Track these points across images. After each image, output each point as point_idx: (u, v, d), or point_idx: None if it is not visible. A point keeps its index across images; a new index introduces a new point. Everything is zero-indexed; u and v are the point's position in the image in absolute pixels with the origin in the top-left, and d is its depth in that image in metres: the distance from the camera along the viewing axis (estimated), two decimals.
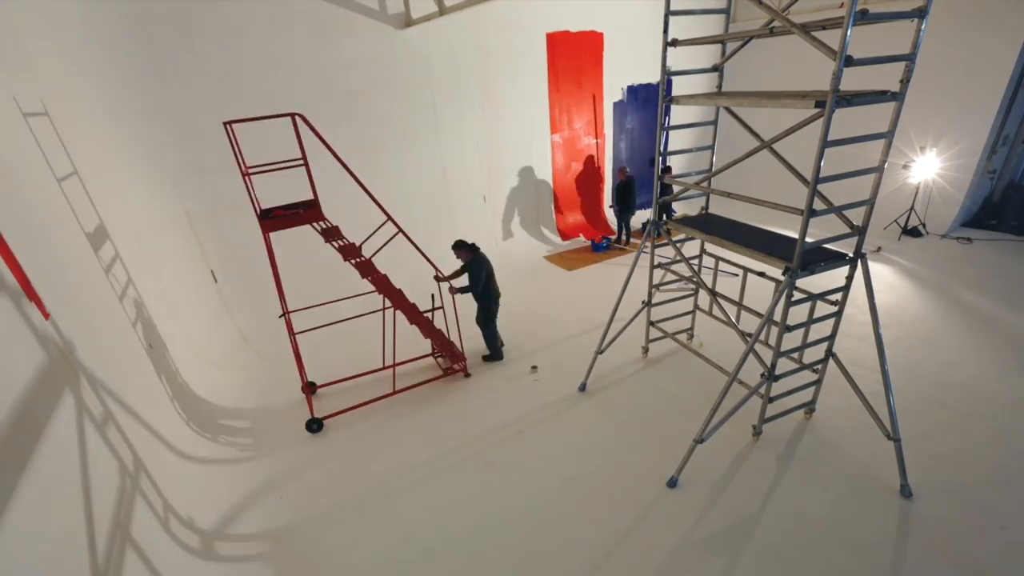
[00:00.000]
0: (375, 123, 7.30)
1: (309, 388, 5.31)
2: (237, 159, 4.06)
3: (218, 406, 5.19)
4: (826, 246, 3.63)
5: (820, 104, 2.99)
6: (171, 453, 4.05)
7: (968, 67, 7.77)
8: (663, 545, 3.46)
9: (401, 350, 5.62)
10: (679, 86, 10.18)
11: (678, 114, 9.70)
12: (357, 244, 4.55)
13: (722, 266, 4.95)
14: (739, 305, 4.76)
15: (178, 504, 3.64)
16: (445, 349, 5.42)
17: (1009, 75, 7.49)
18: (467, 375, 5.59)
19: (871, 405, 3.94)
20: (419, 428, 4.85)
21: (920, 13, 2.89)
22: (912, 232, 8.58)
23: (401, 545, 3.63)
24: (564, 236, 9.69)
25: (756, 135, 3.95)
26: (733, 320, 4.46)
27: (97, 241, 4.21)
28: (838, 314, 3.92)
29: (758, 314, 4.30)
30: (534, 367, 5.64)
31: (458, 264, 5.55)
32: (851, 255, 3.60)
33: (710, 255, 5.14)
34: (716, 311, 5.01)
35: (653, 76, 10.16)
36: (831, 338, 4.07)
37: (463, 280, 5.50)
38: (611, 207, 9.38)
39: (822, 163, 3.07)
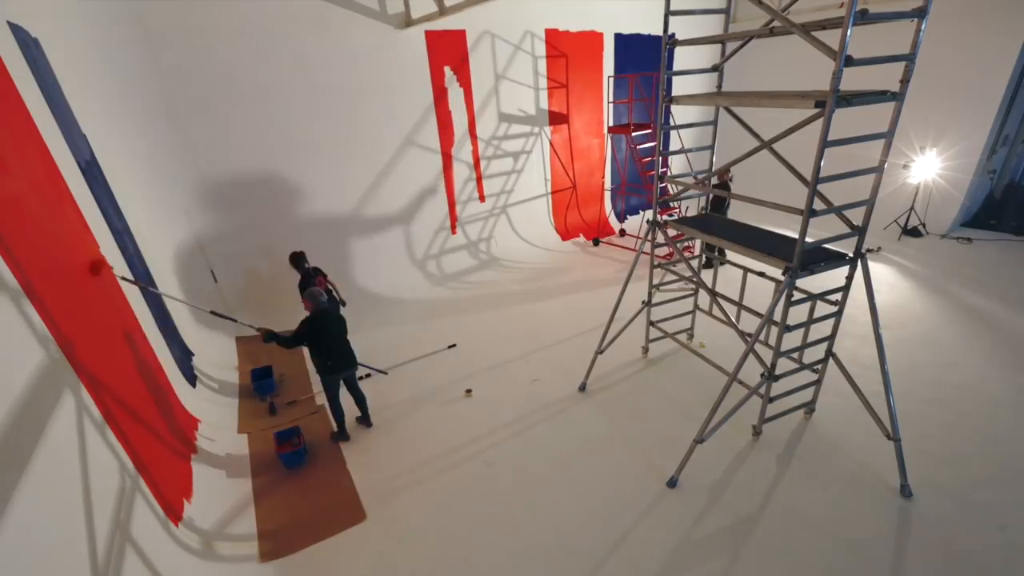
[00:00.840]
0: (375, 123, 7.31)
1: None
2: None
3: (218, 406, 5.18)
4: (826, 246, 3.63)
5: (820, 104, 2.99)
6: (171, 453, 4.04)
7: (968, 67, 7.77)
8: (663, 545, 3.46)
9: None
10: (679, 86, 10.19)
11: (678, 114, 9.71)
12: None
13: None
14: (739, 305, 4.76)
15: (178, 504, 3.64)
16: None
17: (1009, 75, 7.50)
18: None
19: (871, 405, 3.94)
20: (419, 428, 4.84)
21: (920, 13, 2.89)
22: (912, 232, 8.59)
23: (400, 546, 3.63)
24: (563, 236, 9.70)
25: (756, 135, 3.95)
26: (733, 320, 4.46)
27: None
28: (838, 314, 3.92)
29: (758, 314, 4.30)
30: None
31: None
32: (851, 255, 3.60)
33: (709, 256, 5.14)
34: (716, 311, 5.01)
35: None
36: (831, 338, 4.07)
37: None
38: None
39: (822, 163, 3.06)
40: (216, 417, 4.86)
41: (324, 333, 4.24)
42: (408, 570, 3.45)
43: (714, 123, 4.80)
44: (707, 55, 10.40)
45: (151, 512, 3.24)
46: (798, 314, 3.92)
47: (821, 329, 4.04)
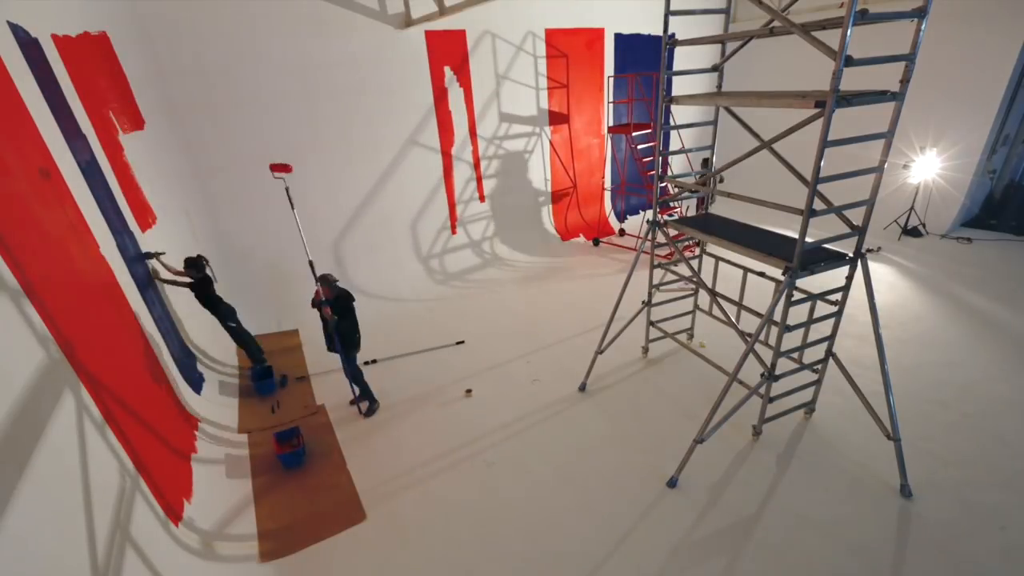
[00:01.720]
0: (375, 122, 7.31)
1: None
2: None
3: (218, 406, 5.18)
4: (826, 246, 3.63)
5: (820, 104, 2.99)
6: (171, 453, 4.04)
7: (968, 67, 7.77)
8: (663, 545, 3.46)
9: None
10: (679, 86, 10.19)
11: (678, 114, 9.70)
12: None
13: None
14: (739, 305, 4.76)
15: (178, 504, 3.64)
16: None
17: (1009, 75, 7.49)
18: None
19: (871, 405, 3.94)
20: (419, 428, 4.84)
21: (920, 13, 2.89)
22: (912, 232, 8.59)
23: (400, 546, 3.63)
24: (564, 236, 9.70)
25: (756, 135, 3.95)
26: (733, 320, 4.46)
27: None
28: (838, 314, 3.92)
29: (758, 314, 4.30)
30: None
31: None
32: (851, 255, 3.60)
33: (710, 255, 5.14)
34: (716, 311, 5.01)
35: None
36: (831, 338, 4.07)
37: None
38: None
39: (822, 163, 3.06)
40: (216, 417, 4.86)
41: (352, 311, 4.72)
42: (408, 570, 3.45)
43: (714, 123, 4.80)
44: (707, 55, 10.40)
45: (151, 512, 3.24)
46: (798, 314, 3.92)
47: (821, 329, 4.04)
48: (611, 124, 9.65)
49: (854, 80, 3.21)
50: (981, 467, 3.89)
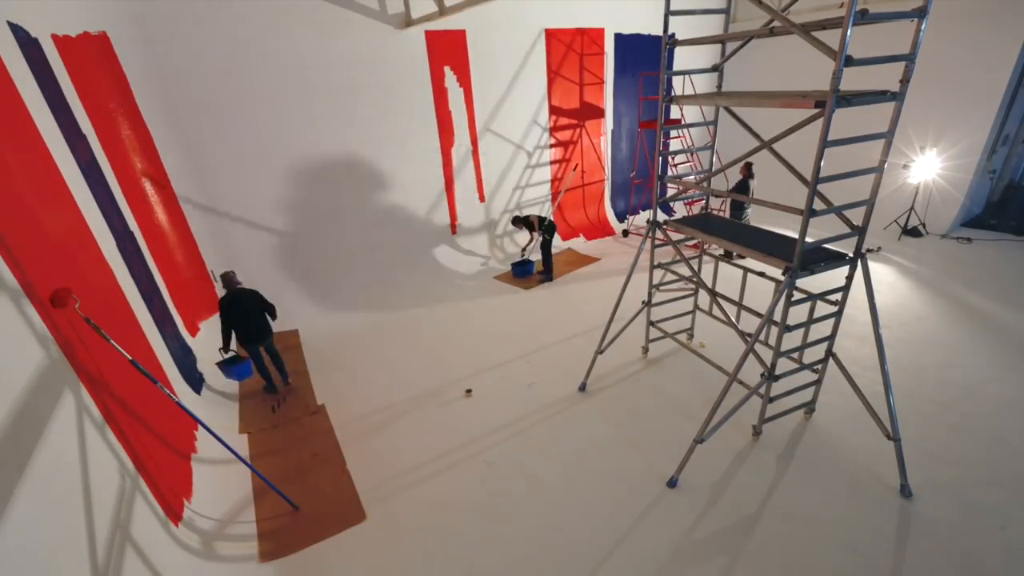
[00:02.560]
0: (375, 122, 7.31)
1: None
2: None
3: (218, 406, 5.18)
4: (826, 246, 3.63)
5: (820, 104, 2.99)
6: (171, 453, 4.05)
7: (968, 67, 7.77)
8: (663, 545, 3.46)
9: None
10: (679, 87, 10.19)
11: (677, 114, 9.71)
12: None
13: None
14: (739, 305, 4.76)
15: (178, 504, 3.64)
16: None
17: (1009, 75, 7.50)
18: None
19: (871, 405, 3.94)
20: (419, 428, 4.85)
21: (920, 13, 2.88)
22: (912, 232, 8.59)
23: (400, 546, 3.63)
24: (564, 236, 9.70)
25: (756, 135, 3.95)
26: (733, 320, 4.46)
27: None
28: (838, 314, 3.92)
29: (758, 314, 4.30)
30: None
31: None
32: (851, 255, 3.60)
33: (710, 255, 5.14)
34: (716, 311, 5.01)
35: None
36: (831, 338, 4.07)
37: None
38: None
39: (822, 163, 3.06)
40: (216, 417, 4.86)
41: (232, 308, 5.00)
42: (408, 570, 3.45)
43: (714, 123, 4.80)
44: (707, 55, 10.41)
45: (151, 512, 3.24)
46: (798, 314, 3.92)
47: (821, 329, 4.04)
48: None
49: (854, 80, 3.21)
50: (981, 467, 3.88)
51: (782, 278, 3.60)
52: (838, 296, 3.84)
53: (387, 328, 6.80)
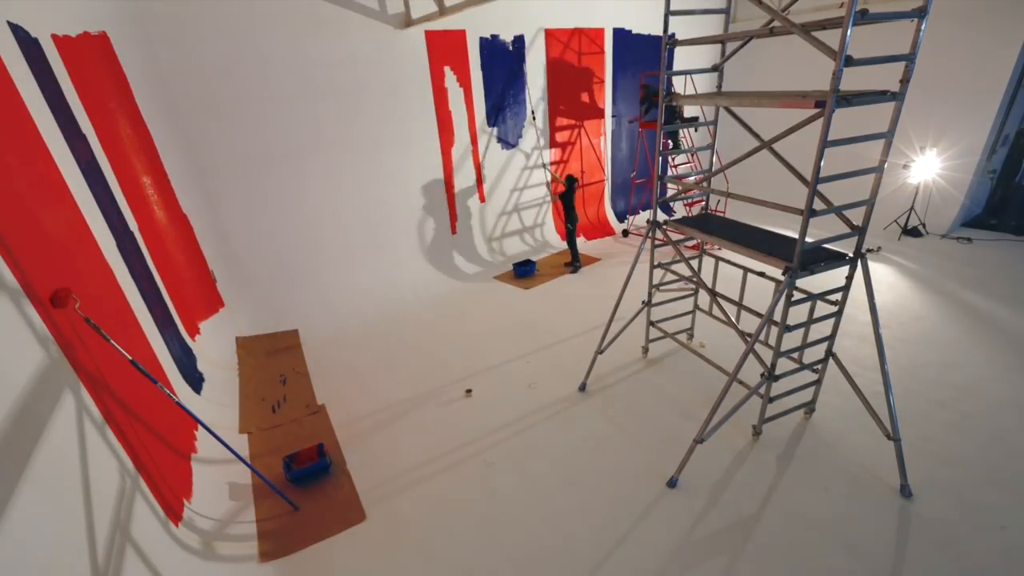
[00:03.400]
0: (375, 123, 7.31)
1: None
2: None
3: (218, 405, 5.18)
4: (826, 246, 3.63)
5: (820, 104, 2.99)
6: (171, 453, 4.05)
7: (968, 67, 7.77)
8: (663, 545, 3.46)
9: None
10: (679, 87, 10.18)
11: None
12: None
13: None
14: (739, 305, 4.76)
15: (178, 504, 3.64)
16: None
17: (1009, 75, 7.50)
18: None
19: (871, 405, 3.94)
20: (419, 428, 4.85)
21: (920, 13, 2.89)
22: (912, 232, 8.59)
23: (400, 546, 3.63)
24: (563, 236, 9.69)
25: (756, 135, 3.95)
26: (733, 320, 4.46)
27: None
28: (838, 314, 3.92)
29: (758, 314, 4.30)
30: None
31: None
32: (851, 255, 3.60)
33: (710, 255, 5.14)
34: (716, 311, 5.01)
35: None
36: (831, 338, 4.07)
37: None
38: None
39: (822, 163, 3.07)
40: (216, 417, 4.86)
41: None
42: (408, 570, 3.45)
43: (714, 123, 4.80)
44: (707, 55, 10.41)
45: (151, 512, 3.24)
46: (798, 314, 3.92)
47: (821, 329, 4.04)
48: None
49: (854, 80, 3.21)
50: (981, 467, 3.89)
51: (782, 278, 3.61)
52: (838, 296, 3.84)
53: (387, 328, 6.81)
